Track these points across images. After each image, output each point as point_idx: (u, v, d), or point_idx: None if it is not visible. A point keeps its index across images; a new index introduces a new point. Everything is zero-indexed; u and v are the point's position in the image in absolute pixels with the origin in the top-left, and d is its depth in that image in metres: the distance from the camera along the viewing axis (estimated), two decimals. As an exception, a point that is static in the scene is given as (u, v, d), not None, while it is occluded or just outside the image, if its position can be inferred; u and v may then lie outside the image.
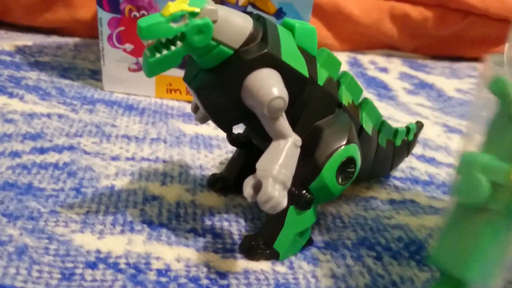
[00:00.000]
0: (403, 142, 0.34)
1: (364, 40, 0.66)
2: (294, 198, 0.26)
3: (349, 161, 0.26)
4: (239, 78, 0.23)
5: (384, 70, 0.61)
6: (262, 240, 0.27)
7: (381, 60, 0.65)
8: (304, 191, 0.26)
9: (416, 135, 0.36)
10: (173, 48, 0.22)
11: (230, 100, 0.24)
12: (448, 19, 0.66)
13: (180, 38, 0.22)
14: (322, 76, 0.27)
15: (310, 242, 0.28)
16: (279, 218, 0.26)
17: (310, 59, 0.26)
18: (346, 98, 0.28)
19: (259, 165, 0.23)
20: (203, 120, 0.29)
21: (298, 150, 0.24)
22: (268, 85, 0.23)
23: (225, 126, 0.26)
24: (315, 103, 0.26)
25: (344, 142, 0.26)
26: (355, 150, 0.27)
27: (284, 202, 0.23)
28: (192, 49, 0.22)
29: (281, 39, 0.24)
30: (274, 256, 0.27)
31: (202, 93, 0.24)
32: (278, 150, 0.23)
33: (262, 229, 0.28)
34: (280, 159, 0.23)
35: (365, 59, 0.65)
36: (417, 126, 0.36)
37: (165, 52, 0.22)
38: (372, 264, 0.27)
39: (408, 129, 0.35)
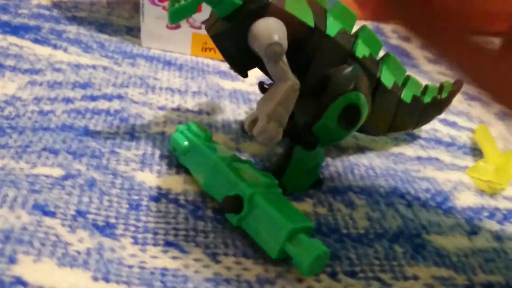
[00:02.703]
0: (433, 100, 0.34)
1: (386, 9, 0.67)
2: (299, 138, 0.29)
3: (353, 108, 0.28)
4: (245, 25, 0.25)
5: (406, 39, 0.63)
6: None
7: (403, 30, 0.67)
8: (308, 132, 0.29)
9: (452, 93, 0.36)
10: None
11: (240, 45, 0.26)
12: (469, -8, 0.67)
13: None
14: (333, 28, 0.28)
15: (319, 183, 0.31)
16: (287, 156, 0.29)
17: (319, 11, 0.28)
18: (361, 50, 0.30)
19: (259, 103, 0.26)
20: None
21: (297, 92, 0.26)
22: (268, 32, 0.25)
23: (240, 70, 0.28)
24: (325, 53, 0.28)
25: (348, 89, 0.28)
26: (359, 98, 0.28)
27: (278, 137, 0.25)
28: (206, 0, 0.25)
29: None
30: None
31: (217, 39, 0.27)
32: (276, 91, 0.26)
33: (273, 166, 0.31)
34: (277, 99, 0.25)
35: (387, 28, 0.66)
36: (453, 85, 0.36)
37: (182, 2, 0.24)
38: (403, 210, 0.30)
39: (441, 86, 0.35)
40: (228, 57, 0.28)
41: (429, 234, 0.28)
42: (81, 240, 0.23)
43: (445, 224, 0.30)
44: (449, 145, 0.39)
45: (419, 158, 0.36)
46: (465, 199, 0.32)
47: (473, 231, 0.30)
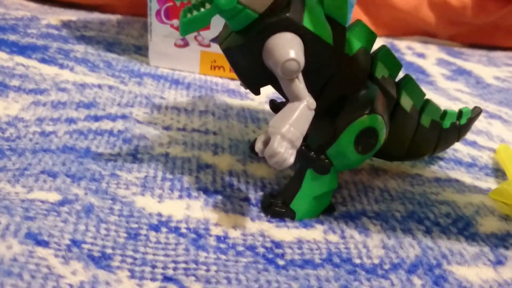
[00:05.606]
0: (452, 126, 0.33)
1: (401, 26, 0.66)
2: (312, 161, 0.27)
3: (370, 131, 0.27)
4: (260, 40, 0.24)
5: (421, 56, 0.61)
6: (281, 199, 0.28)
7: (417, 46, 0.65)
8: (322, 156, 0.27)
9: (471, 120, 0.34)
10: (202, 9, 0.23)
11: (253, 61, 0.25)
12: (487, 8, 0.65)
13: (208, 1, 0.23)
14: (352, 46, 0.27)
15: (331, 209, 0.29)
16: (297, 180, 0.28)
17: (339, 28, 0.26)
18: (380, 71, 0.28)
19: (271, 122, 0.24)
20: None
21: (312, 113, 0.25)
22: (285, 47, 0.23)
23: (252, 86, 0.27)
24: (343, 72, 0.27)
25: (366, 112, 0.26)
26: (377, 121, 0.27)
27: (290, 160, 0.24)
28: (220, 11, 0.23)
29: (306, 6, 0.25)
30: (290, 215, 0.28)
31: (229, 53, 0.26)
32: (291, 110, 0.24)
33: (283, 189, 0.29)
34: (291, 119, 0.24)
35: (402, 44, 0.64)
36: (472, 111, 0.34)
37: (195, 13, 0.23)
38: (422, 237, 0.28)
39: (460, 112, 0.33)
40: (240, 73, 0.26)
41: (451, 264, 0.26)
42: (75, 273, 0.22)
43: (468, 253, 0.27)
44: (470, 165, 0.37)
45: (437, 180, 0.34)
46: (489, 225, 0.30)
47: (499, 260, 0.27)
